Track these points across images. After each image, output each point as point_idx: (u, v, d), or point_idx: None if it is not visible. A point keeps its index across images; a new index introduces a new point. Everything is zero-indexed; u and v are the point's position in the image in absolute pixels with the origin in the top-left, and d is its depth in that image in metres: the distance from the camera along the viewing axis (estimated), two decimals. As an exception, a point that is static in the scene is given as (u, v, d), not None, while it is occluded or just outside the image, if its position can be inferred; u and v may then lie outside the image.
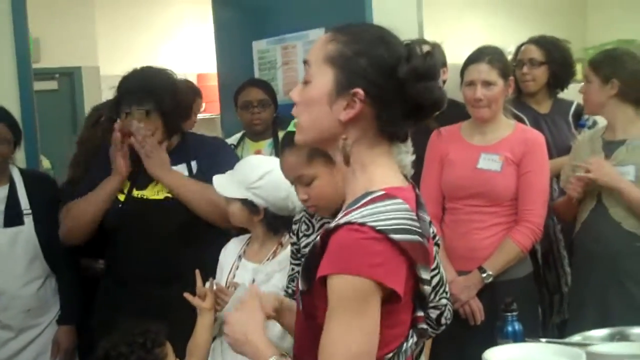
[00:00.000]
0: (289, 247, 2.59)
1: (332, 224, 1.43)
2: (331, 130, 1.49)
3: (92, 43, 7.53)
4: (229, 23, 4.69)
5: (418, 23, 4.31)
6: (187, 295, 2.45)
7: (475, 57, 3.09)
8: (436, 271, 1.87)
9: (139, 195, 2.93)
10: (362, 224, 1.37)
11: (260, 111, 3.91)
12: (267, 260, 2.60)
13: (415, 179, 1.63)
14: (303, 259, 2.30)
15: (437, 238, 2.00)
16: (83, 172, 3.26)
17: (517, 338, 2.30)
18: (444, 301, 2.24)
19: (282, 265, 2.56)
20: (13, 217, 3.17)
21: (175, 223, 2.88)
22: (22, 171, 3.33)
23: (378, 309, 1.38)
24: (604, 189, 3.04)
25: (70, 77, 7.56)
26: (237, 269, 2.66)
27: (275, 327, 2.35)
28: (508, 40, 4.35)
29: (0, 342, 3.14)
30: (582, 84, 3.25)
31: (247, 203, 2.57)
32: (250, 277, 2.58)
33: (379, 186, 1.46)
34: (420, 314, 1.51)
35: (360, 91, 1.45)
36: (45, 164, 4.79)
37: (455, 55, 3.84)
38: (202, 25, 7.16)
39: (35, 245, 3.19)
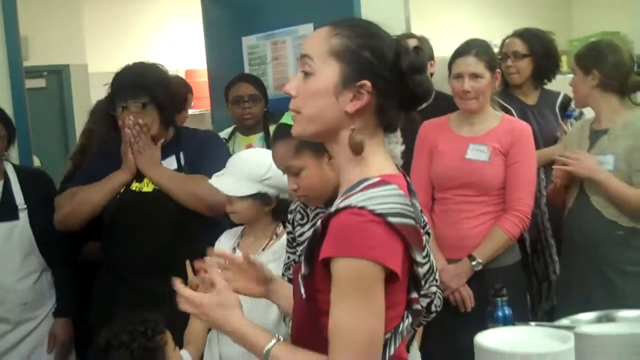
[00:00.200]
0: (283, 238, 2.64)
1: (333, 208, 1.48)
2: (336, 122, 1.53)
3: (80, 41, 7.53)
4: (219, 19, 4.71)
5: (405, 18, 4.37)
6: (178, 285, 2.49)
7: (463, 50, 3.14)
8: (426, 260, 1.92)
9: (136, 188, 2.97)
10: (362, 208, 1.43)
11: (251, 106, 3.94)
12: (262, 250, 2.64)
13: (404, 170, 1.69)
14: (300, 247, 2.37)
15: (427, 227, 2.06)
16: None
17: (507, 322, 2.35)
18: (433, 289, 2.29)
19: (276, 255, 2.61)
20: (8, 212, 3.19)
21: (169, 215, 2.92)
22: (16, 167, 3.35)
23: (383, 290, 1.44)
24: (586, 177, 3.11)
25: (58, 75, 7.56)
26: (231, 260, 2.71)
27: (271, 314, 2.41)
28: (494, 33, 4.41)
29: (-3, 335, 3.17)
30: (568, 75, 3.32)
31: (258, 197, 2.60)
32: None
33: (374, 173, 1.52)
34: (415, 295, 1.56)
35: (367, 83, 1.50)
36: (35, 162, 4.80)
37: (443, 49, 3.89)
38: (191, 22, 7.19)
39: (30, 240, 3.21)
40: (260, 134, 3.95)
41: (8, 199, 3.21)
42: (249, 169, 2.61)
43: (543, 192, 3.56)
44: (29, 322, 3.23)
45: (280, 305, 1.93)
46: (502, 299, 2.40)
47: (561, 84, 3.82)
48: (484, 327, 2.26)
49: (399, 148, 2.33)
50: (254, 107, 3.95)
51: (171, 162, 3.01)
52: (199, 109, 7.07)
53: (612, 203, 3.05)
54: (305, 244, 1.56)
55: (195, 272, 2.49)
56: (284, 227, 2.68)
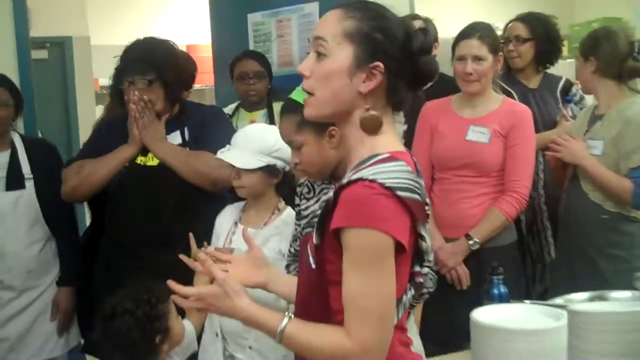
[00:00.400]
0: (285, 213, 2.70)
1: (344, 181, 1.53)
2: (350, 101, 1.59)
3: (82, 13, 7.50)
4: (225, -4, 4.72)
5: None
6: (182, 257, 2.53)
7: (466, 33, 3.17)
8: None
9: (141, 162, 3.01)
10: (372, 181, 1.49)
11: (255, 82, 3.98)
12: (265, 225, 2.69)
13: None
14: (303, 221, 2.43)
15: (428, 207, 2.11)
16: None
17: (502, 300, 2.40)
18: (426, 270, 2.34)
19: (279, 229, 2.66)
20: (15, 182, 3.23)
21: (173, 188, 2.96)
22: (23, 137, 3.38)
23: (393, 259, 1.50)
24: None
25: (60, 47, 7.52)
26: (233, 234, 2.75)
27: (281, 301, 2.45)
28: (498, 16, 4.44)
29: (2, 301, 3.22)
30: (568, 60, 3.37)
31: (266, 169, 2.64)
32: (248, 241, 2.68)
33: (383, 150, 1.57)
34: (418, 269, 1.63)
35: (380, 64, 1.56)
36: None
37: (445, 31, 3.92)
38: (193, -4, 7.19)
39: (36, 209, 3.25)
40: (264, 110, 3.99)
41: (15, 168, 3.25)
42: (259, 142, 2.66)
43: (541, 175, 3.61)
44: (33, 290, 3.27)
45: (282, 292, 1.95)
46: (498, 277, 2.45)
47: (562, 68, 3.86)
48: (480, 304, 2.31)
49: (402, 127, 2.39)
50: (259, 83, 3.99)
51: (175, 137, 3.04)
52: (201, 84, 7.08)
53: (598, 187, 3.12)
54: (319, 216, 1.60)
55: (198, 244, 2.58)
56: (286, 203, 2.74)
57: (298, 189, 2.51)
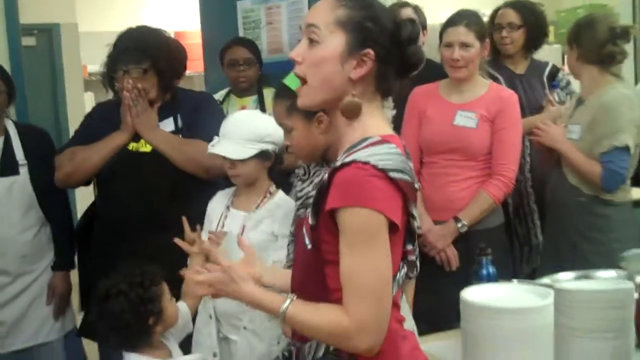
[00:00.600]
0: (276, 195, 2.76)
1: (338, 163, 1.59)
2: (341, 87, 1.65)
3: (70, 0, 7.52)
4: (214, -18, 4.73)
5: (398, -14, 4.41)
6: (177, 240, 2.56)
7: (454, 20, 3.22)
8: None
9: (132, 148, 3.04)
10: (366, 162, 1.54)
11: (245, 69, 4.01)
12: (257, 208, 2.74)
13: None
14: (298, 202, 2.49)
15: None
16: None
17: (491, 280, 2.45)
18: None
19: (271, 212, 2.71)
20: (9, 168, 3.24)
21: (166, 174, 2.99)
22: (16, 124, 3.38)
23: (387, 237, 1.56)
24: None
25: (48, 34, 7.47)
26: (225, 218, 2.79)
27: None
28: (484, 3, 4.47)
29: (-2, 287, 3.24)
30: (554, 46, 3.42)
31: (260, 155, 2.68)
32: (240, 224, 2.72)
33: (374, 133, 1.63)
34: (410, 247, 1.69)
35: (371, 52, 1.62)
36: (25, 120, 4.82)
37: (434, 17, 3.95)
38: (181, -17, 7.18)
39: (30, 195, 3.27)
40: (255, 97, 4.02)
41: (9, 154, 3.26)
42: (249, 130, 2.69)
43: (527, 159, 3.66)
44: (28, 274, 3.29)
45: (274, 284, 1.99)
46: (486, 257, 2.50)
47: (548, 54, 3.89)
48: (469, 284, 2.34)
49: (391, 112, 2.46)
50: (249, 70, 4.02)
51: (168, 124, 3.07)
52: (190, 70, 7.06)
53: (575, 171, 3.20)
54: (313, 197, 1.65)
55: (191, 228, 2.62)
56: (277, 187, 2.79)
57: (296, 171, 2.57)
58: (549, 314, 2.03)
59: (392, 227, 1.56)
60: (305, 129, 2.32)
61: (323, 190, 1.60)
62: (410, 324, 2.12)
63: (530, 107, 3.69)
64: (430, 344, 2.23)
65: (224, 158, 2.70)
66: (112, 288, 2.26)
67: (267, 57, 4.25)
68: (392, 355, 1.64)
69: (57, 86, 7.53)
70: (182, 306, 2.49)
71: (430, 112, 3.28)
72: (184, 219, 2.60)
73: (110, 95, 3.24)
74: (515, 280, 2.44)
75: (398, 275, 1.65)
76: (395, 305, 1.67)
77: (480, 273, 2.49)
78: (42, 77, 7.34)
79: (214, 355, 2.72)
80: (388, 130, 1.68)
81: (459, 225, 3.14)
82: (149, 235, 2.91)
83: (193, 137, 2.99)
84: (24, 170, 3.27)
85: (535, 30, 3.82)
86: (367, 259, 1.54)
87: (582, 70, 3.25)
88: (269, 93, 3.68)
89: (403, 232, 1.63)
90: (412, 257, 1.70)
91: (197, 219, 2.76)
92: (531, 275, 3.55)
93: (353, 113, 1.65)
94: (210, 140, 2.76)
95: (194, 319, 2.63)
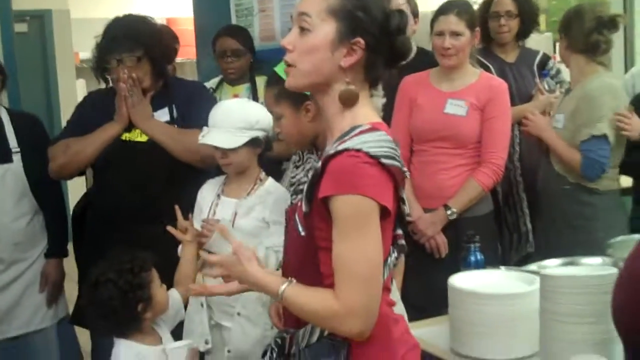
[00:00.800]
0: (267, 182, 2.77)
1: (331, 151, 1.61)
2: (330, 74, 1.67)
3: (62, -14, 7.50)
4: (206, -32, 4.72)
5: (389, -26, 4.41)
6: (169, 228, 2.57)
7: (445, 9, 3.24)
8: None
9: (126, 138, 3.04)
10: (358, 150, 1.58)
11: (233, 60, 3.97)
12: (248, 194, 2.75)
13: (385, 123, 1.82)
14: (291, 188, 2.52)
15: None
16: None
17: (479, 267, 2.48)
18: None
19: (262, 199, 2.72)
20: (2, 155, 3.24)
21: (161, 164, 3.00)
22: (9, 111, 3.38)
23: (378, 223, 1.60)
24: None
25: (40, 20, 7.49)
26: (216, 206, 2.80)
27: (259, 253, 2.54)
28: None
29: (-10, 274, 3.25)
30: (545, 34, 3.45)
31: (251, 143, 2.68)
32: (232, 211, 2.73)
33: (364, 121, 1.66)
34: (400, 232, 1.74)
35: (361, 40, 1.65)
36: (17, 107, 4.81)
37: (425, 4, 3.96)
38: (172, -30, 7.16)
39: (24, 183, 3.28)
40: (247, 85, 4.01)
41: (1, 141, 3.25)
42: (239, 118, 2.69)
43: (517, 147, 3.69)
44: (21, 262, 3.30)
45: None
46: (474, 244, 2.53)
47: (539, 42, 3.91)
48: (457, 271, 2.39)
49: (381, 101, 2.48)
50: (237, 61, 3.98)
51: (163, 114, 3.07)
52: (182, 57, 7.07)
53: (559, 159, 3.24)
54: (306, 185, 1.68)
55: (183, 216, 2.64)
56: (267, 174, 2.81)
57: (293, 157, 2.59)
58: (535, 300, 2.07)
59: (384, 213, 1.60)
60: (293, 116, 2.36)
61: (316, 177, 1.63)
62: (400, 308, 2.16)
63: (521, 95, 3.70)
64: (420, 329, 2.25)
65: (216, 148, 2.70)
66: (101, 276, 2.28)
67: (260, 44, 4.24)
68: (383, 339, 1.68)
69: (49, 73, 7.54)
70: (174, 294, 2.50)
71: (421, 100, 3.30)
72: (177, 207, 2.62)
73: (102, 84, 3.24)
74: (502, 267, 2.47)
75: (389, 259, 1.69)
76: (387, 289, 1.71)
77: (468, 260, 2.52)
78: (34, 63, 7.35)
79: (206, 342, 2.73)
80: (376, 118, 1.72)
81: (449, 212, 3.17)
82: (143, 225, 2.93)
83: (187, 127, 3.00)
84: (17, 158, 3.27)
85: (529, 19, 3.84)
86: (359, 245, 1.58)
87: (570, 59, 3.28)
88: (261, 81, 3.67)
89: (394, 217, 1.67)
90: (401, 241, 1.74)
91: (191, 208, 2.78)
92: (520, 262, 3.58)
93: (350, 101, 1.68)
94: None
95: (186, 307, 2.64)
